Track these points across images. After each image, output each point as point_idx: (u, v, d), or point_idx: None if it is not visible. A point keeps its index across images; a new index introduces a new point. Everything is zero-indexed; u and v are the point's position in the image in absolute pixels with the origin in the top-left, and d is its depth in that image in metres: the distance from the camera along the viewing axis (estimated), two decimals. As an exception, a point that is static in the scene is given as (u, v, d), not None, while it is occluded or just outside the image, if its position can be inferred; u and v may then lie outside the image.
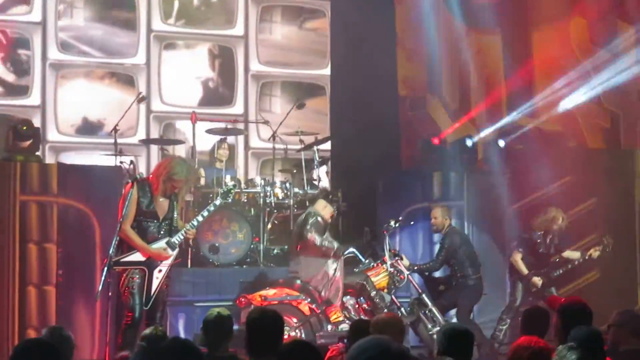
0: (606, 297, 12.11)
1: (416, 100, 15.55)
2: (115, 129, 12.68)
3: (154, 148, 14.63)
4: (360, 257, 11.46)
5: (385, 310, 10.66)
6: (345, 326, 10.57)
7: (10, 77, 14.54)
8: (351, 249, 11.45)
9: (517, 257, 12.44)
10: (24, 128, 11.57)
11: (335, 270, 10.99)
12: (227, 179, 12.63)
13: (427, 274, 12.01)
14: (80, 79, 14.77)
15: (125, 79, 15.03)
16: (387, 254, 11.18)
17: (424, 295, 11.39)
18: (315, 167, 13.17)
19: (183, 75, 15.42)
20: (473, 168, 13.95)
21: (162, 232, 9.71)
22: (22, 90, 14.52)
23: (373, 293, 10.98)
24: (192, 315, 11.62)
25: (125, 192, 9.66)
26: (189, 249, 11.89)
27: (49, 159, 14.16)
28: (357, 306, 11.12)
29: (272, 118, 14.40)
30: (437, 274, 12.17)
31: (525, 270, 12.34)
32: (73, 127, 14.76)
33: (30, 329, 10.94)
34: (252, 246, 12.42)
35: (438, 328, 10.78)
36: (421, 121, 15.46)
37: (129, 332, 9.40)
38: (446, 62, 15.60)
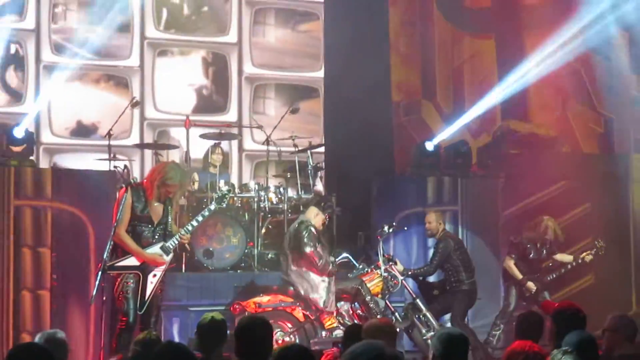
0: (600, 302, 12.11)
1: (410, 104, 15.55)
2: (109, 134, 12.67)
3: (148, 153, 14.62)
4: (354, 262, 11.45)
5: (379, 315, 10.66)
6: (339, 332, 10.56)
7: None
8: (345, 254, 11.45)
9: (510, 263, 12.46)
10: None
11: (328, 289, 10.96)
12: (221, 183, 12.61)
13: (421, 278, 12.00)
14: (75, 81, 14.73)
15: (120, 83, 15.01)
16: (381, 259, 11.17)
17: (418, 300, 11.39)
18: (309, 172, 13.14)
19: (177, 82, 15.40)
20: (467, 173, 13.95)
21: (156, 237, 9.71)
22: (18, 94, 14.52)
23: (368, 298, 10.98)
24: (186, 320, 11.60)
25: (119, 197, 9.65)
26: (184, 254, 11.90)
27: (43, 161, 14.17)
28: (351, 312, 11.11)
29: (266, 120, 14.39)
30: (431, 279, 12.17)
31: (519, 276, 12.35)
32: (67, 130, 14.75)
33: (24, 333, 10.95)
34: (246, 251, 12.41)
35: (432, 333, 10.78)
36: (415, 126, 15.47)
37: (123, 336, 9.39)
38: (440, 67, 15.62)
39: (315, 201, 11.65)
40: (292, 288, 11.00)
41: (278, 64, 15.90)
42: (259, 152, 14.93)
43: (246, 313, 10.49)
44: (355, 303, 11.13)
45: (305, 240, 10.86)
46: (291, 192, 13.12)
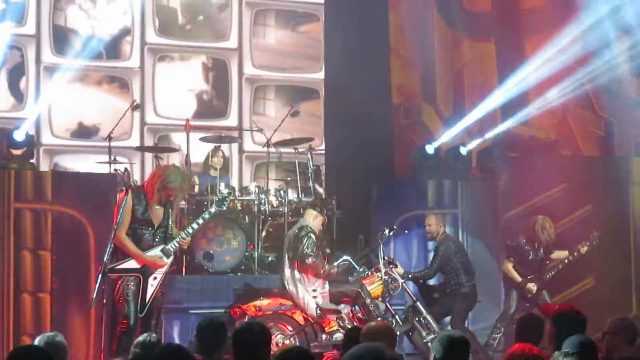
0: (601, 304, 12.12)
1: (410, 107, 15.56)
2: (109, 136, 12.66)
3: (149, 156, 14.62)
4: (355, 265, 11.45)
5: (379, 318, 10.65)
6: (339, 335, 10.54)
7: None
8: (345, 257, 11.43)
9: (509, 266, 12.47)
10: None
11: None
12: (222, 186, 12.62)
13: (421, 281, 12.00)
14: (76, 82, 14.71)
15: (121, 85, 15.00)
16: (381, 261, 11.16)
17: (418, 303, 11.38)
18: (309, 176, 13.13)
19: (177, 87, 15.37)
20: (467, 176, 13.96)
21: (157, 240, 9.71)
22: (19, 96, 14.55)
23: (368, 301, 10.96)
24: (186, 323, 11.61)
25: (120, 200, 9.66)
26: (184, 257, 11.90)
27: (44, 162, 14.17)
28: (351, 315, 11.10)
29: (266, 122, 14.39)
30: (431, 282, 12.18)
31: (518, 278, 12.36)
32: (68, 131, 14.74)
33: (24, 335, 10.94)
34: (246, 254, 12.41)
35: (433, 336, 10.77)
36: (415, 129, 15.47)
37: (123, 339, 9.39)
38: (440, 70, 15.62)
39: (311, 204, 11.64)
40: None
41: (278, 65, 15.89)
42: (259, 153, 14.92)
43: (246, 316, 10.49)
44: (356, 306, 11.11)
45: (307, 250, 10.80)
46: (291, 195, 13.11)
